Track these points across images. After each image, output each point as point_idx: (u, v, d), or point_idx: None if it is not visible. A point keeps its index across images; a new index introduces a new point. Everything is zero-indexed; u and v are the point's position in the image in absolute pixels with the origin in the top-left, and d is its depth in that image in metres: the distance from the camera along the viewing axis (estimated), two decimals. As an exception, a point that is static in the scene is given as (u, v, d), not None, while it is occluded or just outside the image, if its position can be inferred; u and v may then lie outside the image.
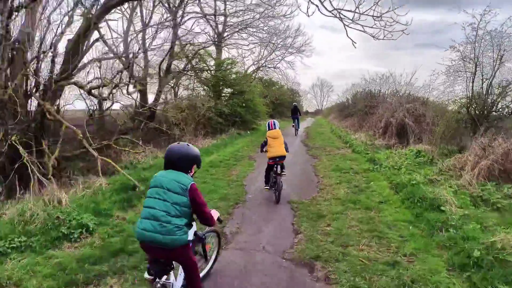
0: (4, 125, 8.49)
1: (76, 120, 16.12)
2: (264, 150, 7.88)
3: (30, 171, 7.77)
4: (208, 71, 22.51)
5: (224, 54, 26.77)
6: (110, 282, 4.24)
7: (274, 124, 7.88)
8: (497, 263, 4.35)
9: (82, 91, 11.95)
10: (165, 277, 3.26)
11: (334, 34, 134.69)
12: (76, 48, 9.87)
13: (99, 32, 11.14)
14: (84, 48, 10.25)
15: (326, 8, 8.48)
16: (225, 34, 26.71)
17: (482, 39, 11.07)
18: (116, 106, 16.02)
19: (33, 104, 10.26)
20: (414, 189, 7.52)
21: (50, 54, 9.72)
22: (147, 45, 19.77)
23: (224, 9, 24.27)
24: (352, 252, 5.02)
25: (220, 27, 26.09)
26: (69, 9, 9.90)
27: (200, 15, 20.97)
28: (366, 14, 8.29)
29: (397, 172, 9.73)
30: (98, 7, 9.97)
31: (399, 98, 18.98)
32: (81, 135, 9.44)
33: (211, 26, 25.51)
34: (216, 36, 25.81)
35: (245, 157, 13.39)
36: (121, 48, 15.75)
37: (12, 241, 5.12)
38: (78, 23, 10.60)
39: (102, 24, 12.24)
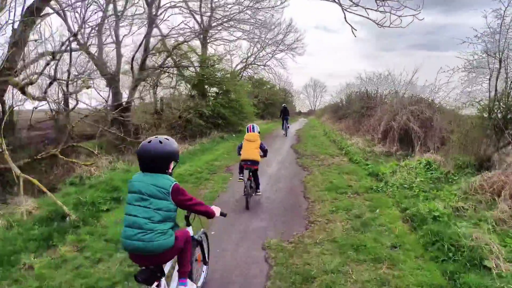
0: None
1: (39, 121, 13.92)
2: (239, 153, 7.46)
3: None
4: (189, 68, 20.27)
5: (211, 51, 24.62)
6: None
7: (253, 128, 7.51)
8: None
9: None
10: (155, 283, 2.93)
11: (328, 34, 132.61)
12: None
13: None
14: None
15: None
16: (211, 30, 24.53)
17: (510, 29, 8.95)
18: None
19: None
20: (440, 227, 5.36)
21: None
22: (120, 38, 17.63)
23: (211, 2, 22.08)
24: None
25: (206, 20, 23.87)
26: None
27: (180, 4, 18.72)
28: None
29: (408, 194, 7.60)
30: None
31: (401, 99, 16.85)
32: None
33: (195, 20, 23.30)
34: (201, 29, 23.57)
35: (222, 168, 11.16)
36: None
37: None
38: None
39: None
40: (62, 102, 13.27)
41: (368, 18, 6.72)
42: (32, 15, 8.90)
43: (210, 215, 3.29)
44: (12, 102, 10.22)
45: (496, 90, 9.46)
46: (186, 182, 9.18)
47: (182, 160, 12.36)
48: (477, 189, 7.22)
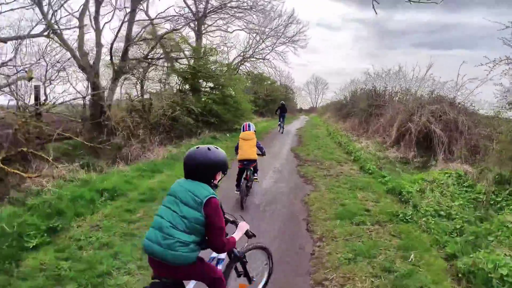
0: None
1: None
2: (237, 153, 7.30)
3: None
4: (180, 60, 18.15)
5: (207, 44, 22.48)
6: None
7: (249, 126, 7.42)
8: None
9: None
10: None
11: (331, 32, 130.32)
12: None
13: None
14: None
15: None
16: (207, 18, 22.42)
17: None
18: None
19: None
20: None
21: None
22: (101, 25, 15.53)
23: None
24: None
25: (201, 8, 21.75)
26: None
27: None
28: None
29: (448, 227, 5.57)
30: None
31: (418, 97, 14.75)
32: None
33: (188, 7, 21.17)
34: (194, 15, 21.45)
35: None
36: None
37: None
38: None
39: None
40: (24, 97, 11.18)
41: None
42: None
43: (220, 250, 2.79)
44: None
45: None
46: (145, 203, 7.14)
47: (157, 168, 10.38)
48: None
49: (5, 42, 9.07)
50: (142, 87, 18.51)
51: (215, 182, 2.80)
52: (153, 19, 15.76)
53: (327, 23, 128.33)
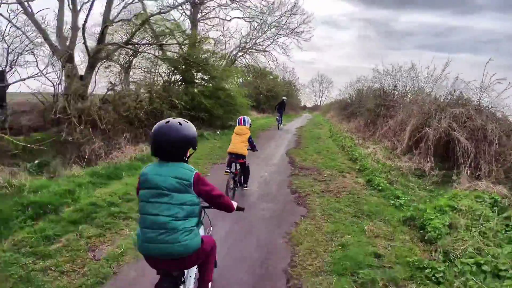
0: None
1: None
2: None
3: None
4: (169, 48, 16.14)
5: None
6: None
7: (244, 121, 7.12)
8: None
9: None
10: None
11: (336, 30, 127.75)
12: None
13: None
14: None
15: None
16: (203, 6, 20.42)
17: None
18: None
19: None
20: None
21: None
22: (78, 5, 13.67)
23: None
24: None
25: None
26: None
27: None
28: None
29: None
30: None
31: (435, 99, 12.65)
32: None
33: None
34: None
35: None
36: None
37: None
38: None
39: None
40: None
41: None
42: None
43: (230, 209, 2.79)
44: None
45: None
46: (86, 223, 5.25)
47: (119, 172, 8.52)
48: None
49: None
50: (127, 76, 16.55)
51: (186, 158, 2.62)
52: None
53: (333, 21, 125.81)
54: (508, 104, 10.74)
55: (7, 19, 12.23)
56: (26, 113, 12.23)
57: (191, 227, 2.43)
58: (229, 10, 21.27)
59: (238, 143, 6.87)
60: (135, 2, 14.99)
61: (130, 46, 14.65)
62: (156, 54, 16.36)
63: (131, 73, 17.07)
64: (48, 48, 13.33)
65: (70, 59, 13.01)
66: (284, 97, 24.77)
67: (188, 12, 21.52)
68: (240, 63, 27.30)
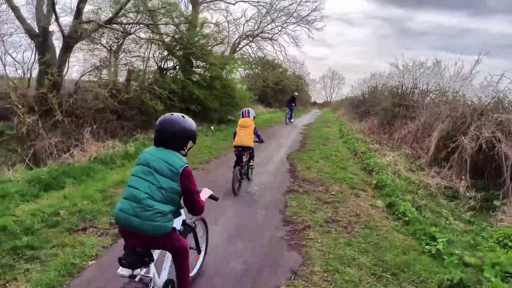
0: None
1: None
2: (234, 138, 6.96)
3: None
4: (155, 28, 14.02)
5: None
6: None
7: (248, 113, 7.06)
8: None
9: None
10: (143, 270, 2.63)
11: (350, 28, 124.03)
12: None
13: None
14: None
15: None
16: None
17: None
18: None
19: None
20: None
21: None
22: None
23: None
24: None
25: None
26: None
27: None
28: None
29: None
30: None
31: (470, 102, 10.39)
32: None
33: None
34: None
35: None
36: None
37: None
38: None
39: None
40: None
41: None
42: None
43: (199, 212, 2.76)
44: None
45: None
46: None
47: (63, 178, 6.56)
48: None
49: None
50: (116, 61, 14.52)
51: (186, 150, 2.76)
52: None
53: (348, 18, 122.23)
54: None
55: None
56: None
57: (165, 211, 2.45)
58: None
59: (244, 136, 6.77)
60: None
61: (115, 26, 12.56)
62: (148, 36, 14.31)
63: (122, 58, 15.03)
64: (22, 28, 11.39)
65: (45, 40, 11.03)
66: (295, 93, 24.07)
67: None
68: (245, 52, 25.04)
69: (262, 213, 5.68)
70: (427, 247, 4.68)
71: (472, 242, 5.05)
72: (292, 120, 22.26)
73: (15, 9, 11.32)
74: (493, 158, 7.71)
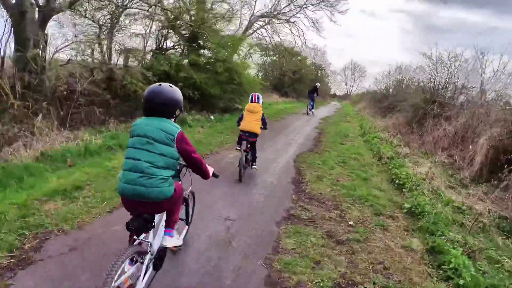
0: None
1: None
2: (239, 124, 6.76)
3: None
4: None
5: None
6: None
7: (258, 98, 6.77)
8: None
9: None
10: (143, 235, 2.71)
11: (373, 20, 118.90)
12: None
13: None
14: None
15: None
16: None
17: None
18: None
19: None
20: None
21: None
22: None
23: None
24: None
25: None
26: None
27: None
28: None
29: None
30: None
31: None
32: None
33: None
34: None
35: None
36: None
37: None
38: None
39: None
40: None
41: None
42: None
43: (206, 175, 3.02)
44: None
45: None
46: None
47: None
48: None
49: None
50: (109, 40, 12.55)
51: (175, 118, 2.83)
52: None
53: (371, 10, 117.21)
54: None
55: None
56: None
57: (166, 177, 2.55)
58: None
59: (252, 121, 6.55)
60: None
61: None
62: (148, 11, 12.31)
63: (119, 37, 13.07)
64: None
65: (22, 12, 9.13)
66: (317, 83, 23.39)
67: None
68: (259, 35, 22.73)
69: (236, 265, 3.61)
70: None
71: None
72: (313, 111, 21.56)
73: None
74: None
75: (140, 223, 2.57)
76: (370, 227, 4.83)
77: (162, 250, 2.97)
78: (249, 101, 6.80)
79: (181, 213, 3.43)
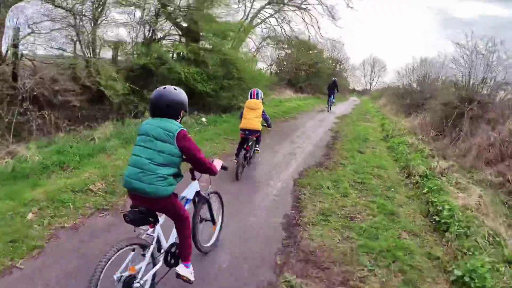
0: None
1: None
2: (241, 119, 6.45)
3: None
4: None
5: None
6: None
7: (257, 94, 6.50)
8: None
9: None
10: (148, 228, 2.80)
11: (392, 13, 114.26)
12: None
13: None
14: None
15: None
16: None
17: None
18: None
19: None
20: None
21: None
22: None
23: None
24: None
25: None
26: None
27: None
28: None
29: None
30: None
31: None
32: None
33: None
34: None
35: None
36: None
37: None
38: None
39: None
40: None
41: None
42: None
43: (212, 172, 3.05)
44: None
45: None
46: None
47: None
48: None
49: None
50: (94, 32, 10.71)
51: (180, 119, 2.84)
52: None
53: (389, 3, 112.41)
54: None
55: None
56: None
57: (166, 175, 2.61)
58: None
59: (252, 118, 6.21)
60: None
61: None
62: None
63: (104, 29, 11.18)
64: None
65: None
66: (334, 78, 21.49)
67: None
68: (268, 24, 20.44)
69: None
70: None
71: None
72: (331, 108, 20.11)
73: None
74: None
75: (136, 215, 2.61)
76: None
77: (176, 248, 2.99)
78: (249, 97, 6.51)
79: (206, 214, 3.50)
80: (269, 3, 18.05)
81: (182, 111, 2.82)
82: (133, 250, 2.58)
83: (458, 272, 3.61)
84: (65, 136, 6.71)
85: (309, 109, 19.49)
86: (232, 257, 3.63)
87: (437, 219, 4.96)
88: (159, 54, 9.12)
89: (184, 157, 2.76)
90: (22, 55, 7.83)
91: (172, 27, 11.35)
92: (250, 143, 6.43)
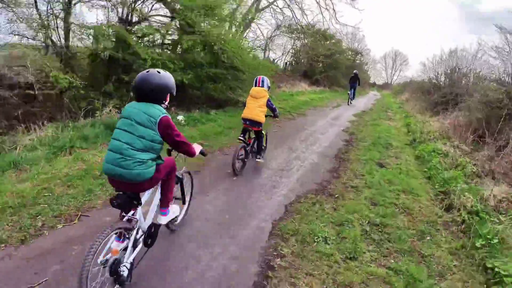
0: None
1: None
2: None
3: None
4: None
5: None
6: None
7: (262, 82, 5.73)
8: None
9: None
10: (132, 212, 2.68)
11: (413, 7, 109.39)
12: None
13: None
14: None
15: None
16: None
17: None
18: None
19: None
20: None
21: None
22: None
23: None
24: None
25: None
26: None
27: None
28: None
29: None
30: None
31: None
32: None
33: None
34: None
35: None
36: None
37: None
38: None
39: None
40: None
41: None
42: None
43: (191, 154, 2.93)
44: None
45: None
46: None
47: None
48: None
49: None
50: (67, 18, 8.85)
51: (166, 103, 2.75)
52: None
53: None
54: None
55: None
56: None
57: (144, 159, 2.49)
58: None
59: (254, 108, 5.56)
60: None
61: None
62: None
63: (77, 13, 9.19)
64: None
65: None
66: (355, 70, 20.35)
67: None
68: (276, 7, 18.12)
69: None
70: None
71: None
72: (349, 102, 18.98)
73: None
74: None
75: (123, 200, 2.53)
76: None
77: (154, 228, 2.92)
78: (254, 84, 5.82)
79: (177, 193, 3.39)
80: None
81: (168, 94, 2.70)
82: (117, 233, 2.49)
83: None
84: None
85: (323, 104, 17.15)
86: None
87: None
88: (123, 37, 7.06)
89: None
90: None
91: (153, 9, 9.26)
92: (252, 136, 5.89)
